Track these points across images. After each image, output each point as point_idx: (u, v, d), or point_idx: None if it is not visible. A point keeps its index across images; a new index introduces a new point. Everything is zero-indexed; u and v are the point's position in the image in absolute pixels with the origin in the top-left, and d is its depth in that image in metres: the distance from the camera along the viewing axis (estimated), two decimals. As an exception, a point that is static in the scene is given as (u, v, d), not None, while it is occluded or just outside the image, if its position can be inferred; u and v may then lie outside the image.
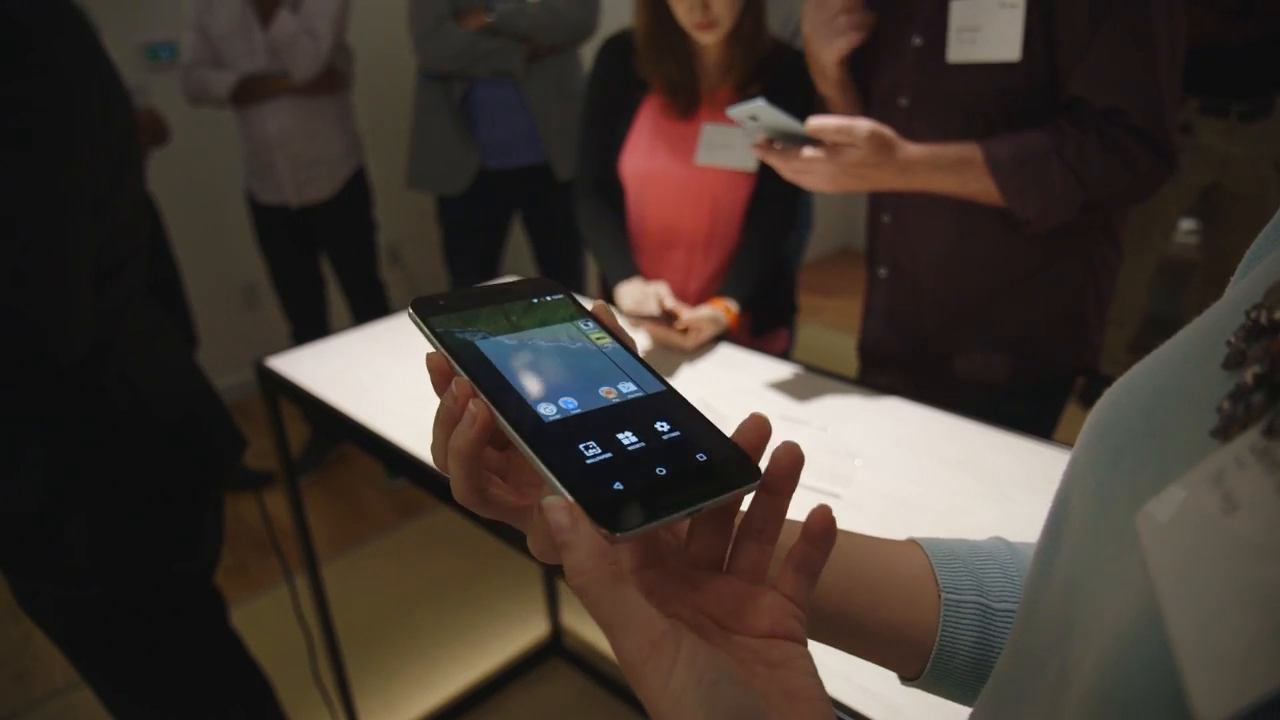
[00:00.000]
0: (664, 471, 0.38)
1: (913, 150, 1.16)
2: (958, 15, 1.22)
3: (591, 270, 2.96)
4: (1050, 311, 1.36)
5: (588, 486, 0.36)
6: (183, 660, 1.25)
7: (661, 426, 0.40)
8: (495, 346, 0.42)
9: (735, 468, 0.39)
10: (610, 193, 1.69)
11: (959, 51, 1.23)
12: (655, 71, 1.55)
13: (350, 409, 1.35)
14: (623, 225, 1.69)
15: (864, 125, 1.11)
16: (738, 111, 1.13)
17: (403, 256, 3.71)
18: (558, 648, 2.22)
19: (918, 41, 1.27)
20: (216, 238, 3.28)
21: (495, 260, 2.78)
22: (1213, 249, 2.72)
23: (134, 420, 1.12)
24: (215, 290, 3.33)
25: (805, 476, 1.12)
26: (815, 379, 1.39)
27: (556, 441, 0.38)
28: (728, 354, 1.50)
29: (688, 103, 1.57)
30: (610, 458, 0.38)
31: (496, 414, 0.39)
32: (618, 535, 0.35)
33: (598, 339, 0.45)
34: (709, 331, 1.49)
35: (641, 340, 1.54)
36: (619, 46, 1.62)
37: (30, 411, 1.04)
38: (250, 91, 2.53)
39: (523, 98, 2.51)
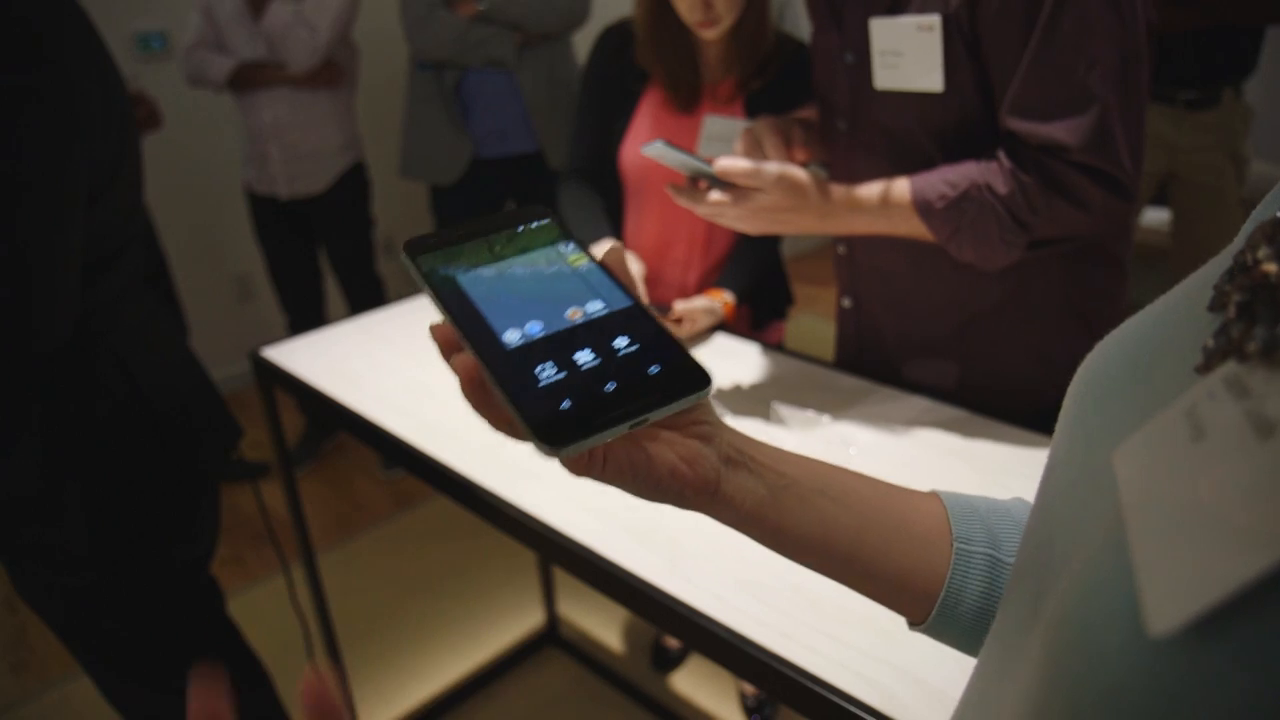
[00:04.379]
0: (613, 387, 0.40)
1: (834, 193, 1.07)
2: (878, 36, 1.06)
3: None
4: (1031, 344, 1.21)
5: (535, 408, 0.39)
6: (180, 648, 1.25)
7: (620, 342, 0.42)
8: (474, 280, 0.45)
9: (685, 377, 0.41)
10: (598, 183, 1.67)
11: (884, 78, 1.08)
12: (656, 64, 1.54)
13: (346, 399, 1.35)
14: (605, 205, 1.66)
15: (772, 169, 1.02)
16: (649, 151, 1.06)
17: (396, 247, 3.70)
18: (554, 637, 2.22)
19: (850, 59, 1.13)
20: (210, 229, 3.26)
21: (489, 250, 2.77)
22: (1183, 237, 2.75)
23: (130, 407, 1.12)
24: (209, 282, 3.31)
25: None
26: (811, 368, 1.39)
27: (516, 366, 0.41)
28: (723, 343, 1.50)
29: (689, 96, 1.55)
30: (564, 378, 0.40)
31: (467, 345, 0.41)
32: (561, 451, 0.38)
33: (574, 260, 0.47)
34: (704, 322, 1.49)
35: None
36: (618, 36, 1.61)
37: (26, 398, 1.04)
38: (247, 78, 2.51)
39: (515, 86, 2.50)
